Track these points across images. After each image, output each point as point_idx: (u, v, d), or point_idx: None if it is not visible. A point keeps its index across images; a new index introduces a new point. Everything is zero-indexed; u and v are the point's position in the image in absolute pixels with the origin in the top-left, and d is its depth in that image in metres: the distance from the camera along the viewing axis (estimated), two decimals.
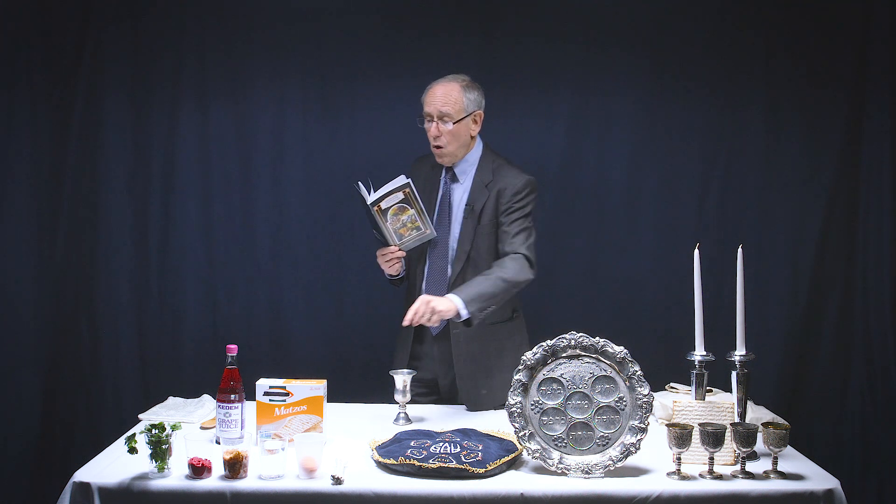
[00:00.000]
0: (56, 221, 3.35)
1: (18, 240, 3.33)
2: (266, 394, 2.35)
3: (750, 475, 2.15)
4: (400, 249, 2.73)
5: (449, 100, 2.72)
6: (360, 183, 2.68)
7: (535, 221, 2.78)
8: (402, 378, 2.59)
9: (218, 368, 2.33)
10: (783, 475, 2.16)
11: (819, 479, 2.15)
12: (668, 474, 2.16)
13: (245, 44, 3.38)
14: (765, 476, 2.16)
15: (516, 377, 2.24)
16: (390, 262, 2.75)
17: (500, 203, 2.74)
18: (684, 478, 2.13)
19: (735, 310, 2.32)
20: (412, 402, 2.68)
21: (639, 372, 2.21)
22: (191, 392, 2.84)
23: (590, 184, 3.42)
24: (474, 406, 2.74)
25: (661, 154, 3.41)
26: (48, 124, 3.34)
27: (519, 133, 3.41)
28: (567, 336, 2.25)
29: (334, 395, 2.65)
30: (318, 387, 2.38)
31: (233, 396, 2.27)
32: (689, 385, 2.37)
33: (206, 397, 2.77)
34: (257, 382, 2.37)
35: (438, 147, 2.75)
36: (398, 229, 2.69)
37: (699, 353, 2.30)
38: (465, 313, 2.57)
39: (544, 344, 2.24)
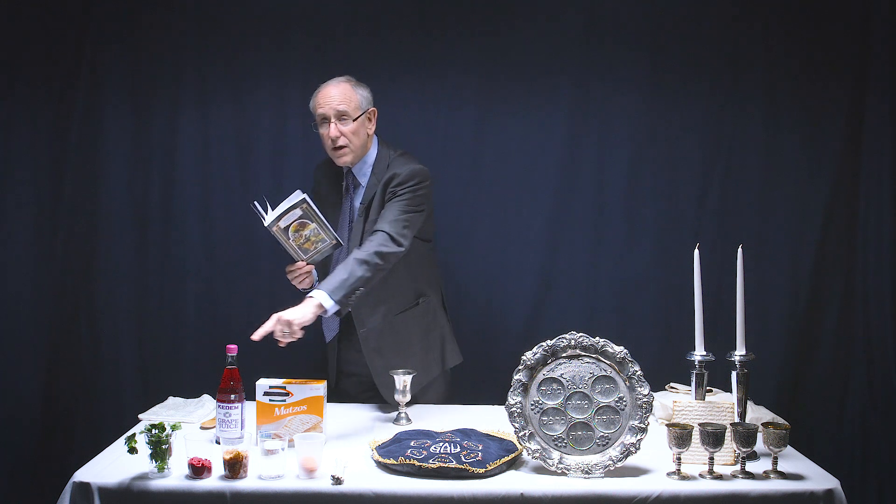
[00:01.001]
0: (56, 221, 3.35)
1: (18, 240, 3.33)
2: (266, 394, 2.35)
3: (750, 475, 2.15)
4: (308, 263, 2.72)
5: (345, 98, 2.72)
6: (255, 203, 2.65)
7: (422, 212, 2.73)
8: (401, 378, 2.59)
9: (218, 368, 2.34)
10: (783, 475, 2.16)
11: (819, 479, 2.16)
12: (668, 474, 2.16)
13: (245, 44, 3.38)
14: (765, 476, 2.16)
15: (516, 377, 2.24)
16: (299, 278, 2.73)
17: (385, 194, 2.72)
18: (684, 478, 2.13)
19: (735, 310, 2.32)
20: (366, 402, 2.75)
21: (639, 372, 2.21)
22: (191, 392, 2.84)
23: (590, 184, 3.42)
24: (394, 401, 2.69)
25: (661, 153, 3.41)
26: (48, 124, 3.34)
27: (519, 132, 3.41)
28: (567, 336, 2.25)
29: (334, 395, 2.65)
30: (318, 387, 2.38)
31: (233, 396, 2.27)
32: (689, 385, 2.38)
33: (206, 397, 2.77)
34: (257, 382, 2.37)
35: (340, 148, 2.72)
36: (302, 244, 2.67)
37: (699, 353, 2.30)
38: (330, 305, 2.49)
39: (544, 344, 2.25)
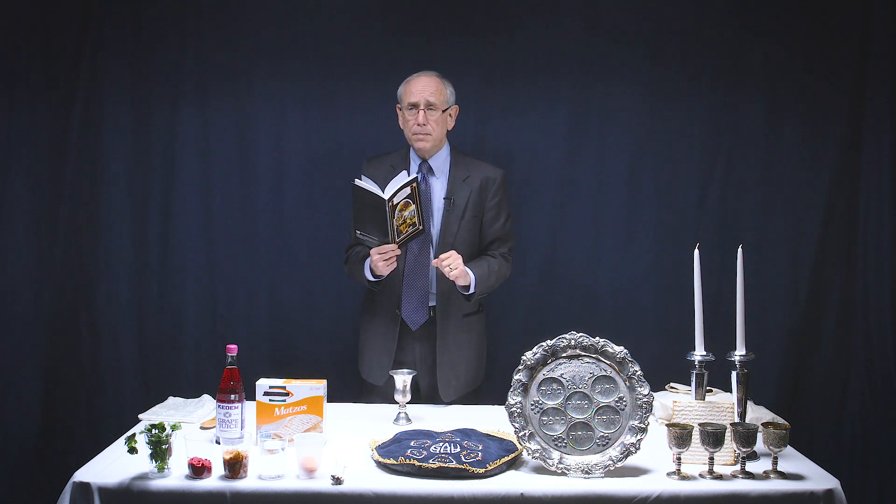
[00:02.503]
0: (56, 221, 3.35)
1: (18, 240, 3.32)
2: (266, 394, 2.35)
3: (750, 475, 2.15)
4: (399, 247, 2.72)
5: (437, 91, 2.88)
6: (357, 180, 2.68)
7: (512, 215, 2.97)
8: (402, 378, 2.59)
9: (218, 368, 2.34)
10: (783, 475, 2.16)
11: (819, 479, 2.16)
12: (668, 474, 2.16)
13: (245, 44, 3.38)
14: (765, 476, 2.16)
15: (516, 377, 2.24)
16: (390, 260, 2.71)
17: (482, 197, 2.89)
18: (684, 478, 2.13)
19: (735, 310, 2.32)
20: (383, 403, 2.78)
21: (639, 372, 2.21)
22: (191, 392, 2.84)
23: (590, 183, 3.42)
24: (447, 396, 2.84)
25: (661, 153, 3.41)
26: (48, 124, 3.33)
27: (519, 132, 3.41)
28: (567, 336, 2.25)
29: (334, 395, 2.65)
30: (318, 387, 2.38)
31: (233, 396, 2.27)
32: (689, 385, 2.38)
33: (206, 397, 2.77)
34: (257, 382, 2.37)
35: (424, 134, 2.84)
36: (399, 226, 2.67)
37: (699, 353, 2.30)
38: (470, 291, 2.78)
39: (544, 344, 2.25)
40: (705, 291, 2.31)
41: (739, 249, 2.34)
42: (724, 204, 3.40)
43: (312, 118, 3.42)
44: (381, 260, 2.70)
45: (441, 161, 2.91)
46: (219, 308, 3.44)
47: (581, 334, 2.25)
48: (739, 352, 2.31)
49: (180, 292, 3.43)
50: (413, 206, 2.66)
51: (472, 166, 2.92)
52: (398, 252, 2.72)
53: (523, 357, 2.24)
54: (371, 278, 2.80)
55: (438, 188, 2.89)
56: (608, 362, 2.23)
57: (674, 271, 3.32)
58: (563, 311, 3.40)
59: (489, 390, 2.99)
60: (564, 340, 2.25)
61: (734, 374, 2.32)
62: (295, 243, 3.44)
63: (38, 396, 3.33)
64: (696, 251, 2.32)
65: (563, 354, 2.25)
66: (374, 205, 2.63)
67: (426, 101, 2.84)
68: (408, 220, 2.67)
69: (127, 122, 3.39)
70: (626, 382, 2.22)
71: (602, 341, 2.23)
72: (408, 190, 2.64)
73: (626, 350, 2.23)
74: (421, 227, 2.71)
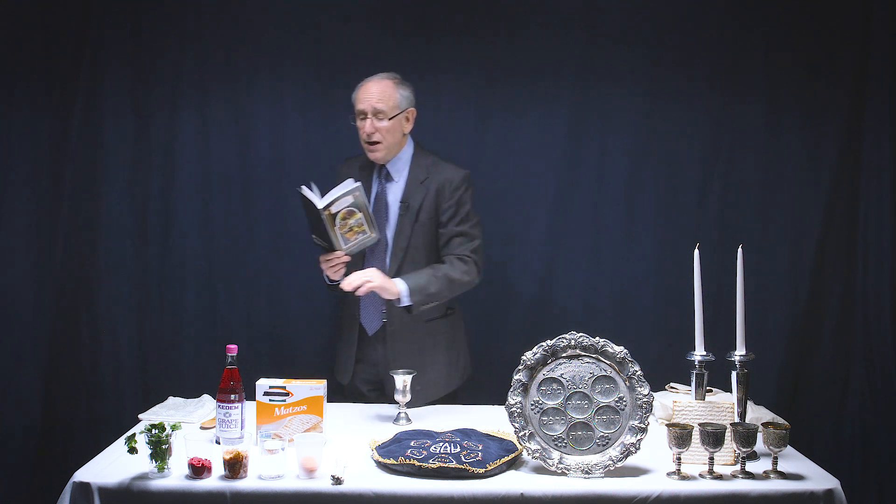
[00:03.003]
0: (56, 221, 3.35)
1: (18, 240, 3.32)
2: (266, 394, 2.35)
3: (750, 475, 2.15)
4: (346, 254, 2.69)
5: (383, 96, 2.75)
6: (304, 187, 2.65)
7: (477, 215, 2.84)
8: (402, 378, 2.59)
9: (218, 368, 2.33)
10: (783, 475, 2.16)
11: (819, 479, 2.16)
12: (668, 474, 2.16)
13: (245, 44, 3.38)
14: (765, 476, 2.16)
15: (516, 377, 2.24)
16: (335, 267, 2.70)
17: (439, 199, 2.78)
18: (684, 478, 2.13)
19: (735, 310, 2.32)
20: (365, 400, 2.78)
21: (639, 372, 2.21)
22: (191, 392, 2.84)
23: (590, 183, 3.42)
24: (412, 402, 2.71)
25: (661, 153, 3.41)
26: (48, 124, 3.33)
27: (519, 132, 3.41)
28: (567, 336, 2.25)
29: (334, 396, 2.65)
30: (318, 387, 2.38)
31: (233, 396, 2.27)
32: (689, 385, 2.38)
33: (206, 397, 2.77)
34: (257, 382, 2.37)
35: (373, 143, 2.75)
36: (345, 234, 2.65)
37: (699, 353, 2.30)
38: (406, 301, 2.66)
39: (544, 344, 2.25)
40: (705, 291, 2.31)
41: (739, 249, 2.34)
42: (724, 204, 3.40)
43: (312, 118, 3.42)
44: (327, 267, 2.71)
45: (400, 165, 2.82)
46: (219, 308, 3.43)
47: (581, 334, 2.25)
48: (739, 352, 2.31)
49: (180, 292, 3.43)
50: (359, 215, 2.63)
51: (434, 168, 2.82)
52: (345, 259, 2.69)
53: (523, 357, 2.24)
54: (328, 282, 2.80)
55: (394, 193, 2.82)
56: (608, 362, 2.23)
57: (674, 271, 3.32)
58: (563, 311, 3.40)
59: (489, 390, 2.99)
60: (564, 340, 2.25)
61: (734, 374, 2.32)
62: (295, 243, 3.44)
63: (38, 396, 3.33)
64: (696, 251, 2.32)
65: (563, 354, 2.25)
66: (315, 213, 2.62)
67: (373, 108, 2.73)
68: (354, 228, 2.65)
69: (127, 122, 3.39)
70: (626, 382, 2.22)
71: (602, 341, 2.23)
72: (350, 198, 2.60)
73: (626, 350, 2.23)
74: (373, 234, 2.68)
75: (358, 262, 2.79)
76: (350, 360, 2.88)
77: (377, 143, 2.75)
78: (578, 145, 3.41)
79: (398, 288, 2.64)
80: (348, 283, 2.59)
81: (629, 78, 3.38)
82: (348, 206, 2.61)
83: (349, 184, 2.64)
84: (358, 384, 2.90)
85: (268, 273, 3.45)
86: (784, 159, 3.37)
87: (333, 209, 2.60)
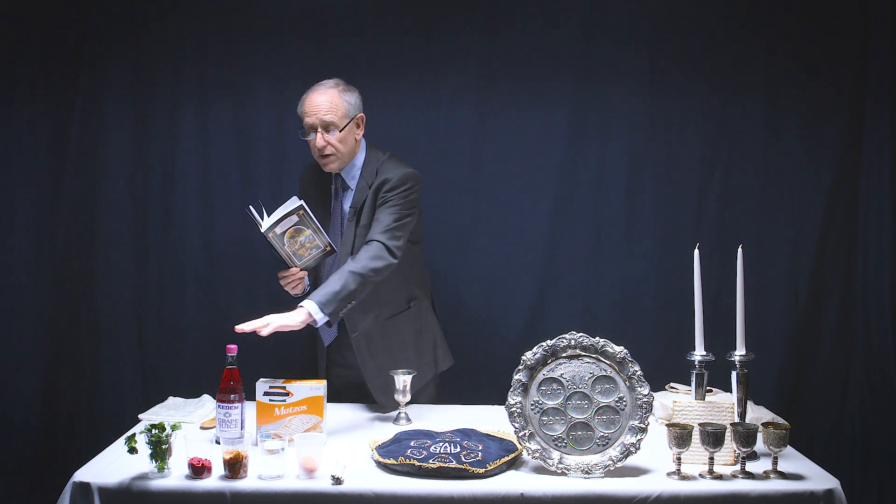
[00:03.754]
0: (56, 221, 3.35)
1: (18, 240, 3.32)
2: (266, 394, 2.35)
3: (750, 475, 2.15)
4: (301, 270, 2.69)
5: (332, 107, 2.66)
6: (251, 208, 2.63)
7: (414, 215, 2.74)
8: (402, 378, 2.59)
9: (218, 368, 2.34)
10: (783, 475, 2.16)
11: (819, 479, 2.16)
12: (668, 474, 2.16)
13: (245, 44, 3.38)
14: (765, 476, 2.16)
15: (516, 377, 2.24)
16: (292, 283, 2.69)
17: (375, 200, 2.70)
18: (684, 478, 2.13)
19: (735, 310, 2.32)
20: (353, 402, 2.77)
21: (639, 372, 2.21)
22: (191, 392, 2.84)
23: (590, 184, 3.42)
24: (388, 404, 2.72)
25: (661, 153, 3.40)
26: (48, 124, 3.34)
27: (519, 132, 3.41)
28: (567, 336, 2.25)
29: (334, 396, 2.65)
30: (318, 387, 2.38)
31: (233, 396, 2.27)
32: (689, 385, 2.38)
33: (206, 397, 2.77)
34: (257, 382, 2.37)
35: (326, 156, 2.69)
36: (297, 251, 2.64)
37: (699, 353, 2.30)
38: (320, 317, 2.51)
39: (544, 344, 2.25)
40: (705, 292, 2.31)
41: (739, 249, 2.34)
42: (724, 204, 3.39)
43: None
44: (285, 284, 2.70)
45: (354, 171, 2.75)
46: (219, 308, 3.43)
47: (581, 334, 2.25)
48: (739, 352, 2.31)
49: (180, 292, 3.43)
50: (308, 231, 2.61)
51: (382, 169, 2.73)
52: (301, 275, 2.69)
53: (523, 357, 2.25)
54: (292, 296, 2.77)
55: (349, 200, 2.78)
56: (608, 362, 2.23)
57: (674, 271, 3.32)
58: (563, 311, 3.40)
59: (489, 390, 2.99)
60: (564, 340, 2.25)
61: (734, 374, 2.32)
62: None
63: (38, 396, 3.33)
64: (696, 251, 2.32)
65: (563, 354, 2.25)
66: (262, 235, 2.62)
67: (322, 121, 2.65)
68: (306, 245, 2.63)
69: (127, 122, 3.39)
70: (626, 382, 2.22)
71: (602, 341, 2.23)
72: (294, 218, 2.59)
73: (626, 350, 2.23)
74: (329, 248, 2.66)
75: (318, 272, 2.79)
76: (322, 363, 2.89)
77: (330, 155, 2.69)
78: (578, 145, 3.41)
79: (307, 310, 2.50)
80: (240, 329, 2.43)
81: (629, 78, 3.38)
82: (294, 226, 2.60)
83: (292, 202, 2.60)
84: (336, 386, 2.87)
85: (268, 273, 3.43)
86: (784, 159, 3.37)
87: (278, 230, 2.60)
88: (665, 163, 3.41)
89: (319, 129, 2.66)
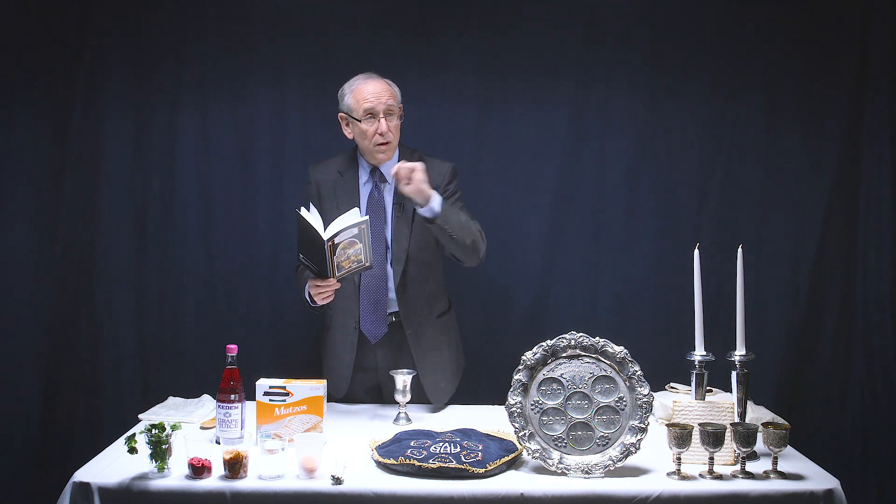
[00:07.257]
0: (56, 221, 3.35)
1: (18, 240, 3.32)
2: (266, 394, 2.35)
3: (750, 475, 2.15)
4: (337, 281, 2.60)
5: (393, 94, 2.70)
6: (303, 209, 2.58)
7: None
8: (402, 378, 2.59)
9: (218, 368, 2.34)
10: (783, 475, 2.16)
11: (819, 479, 2.16)
12: (668, 474, 2.16)
13: (245, 44, 3.38)
14: (765, 476, 2.16)
15: (516, 377, 2.24)
16: (326, 293, 2.61)
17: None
18: (684, 478, 2.13)
19: (735, 310, 2.32)
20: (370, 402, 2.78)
21: (639, 372, 2.21)
22: (191, 392, 2.84)
23: (590, 184, 3.42)
24: (439, 400, 2.77)
25: (661, 154, 3.40)
26: (48, 124, 3.33)
27: (519, 132, 3.41)
28: (567, 336, 2.25)
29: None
30: (318, 387, 2.38)
31: (233, 396, 2.27)
32: (689, 385, 2.38)
33: (206, 397, 2.77)
34: (257, 382, 2.37)
35: (385, 143, 2.68)
36: (341, 262, 2.56)
37: (699, 353, 2.30)
38: (437, 209, 2.55)
39: (544, 344, 2.25)
40: (705, 291, 2.31)
41: (739, 249, 2.34)
42: (724, 204, 3.40)
43: (312, 118, 3.41)
44: (317, 293, 2.61)
45: (391, 165, 2.69)
46: (219, 308, 3.43)
47: (581, 334, 2.25)
48: (739, 352, 2.31)
49: (180, 292, 3.43)
50: (359, 245, 2.56)
51: (426, 163, 2.68)
52: (336, 286, 2.61)
53: (523, 357, 2.25)
54: (311, 303, 2.70)
55: (390, 195, 2.76)
56: (608, 362, 2.23)
57: (674, 271, 3.32)
58: (563, 311, 3.40)
59: (489, 390, 2.99)
60: (564, 340, 2.25)
61: (734, 374, 2.32)
62: (295, 243, 3.43)
63: (38, 396, 3.33)
64: (696, 251, 2.32)
65: (563, 354, 2.25)
66: (315, 241, 2.53)
67: (386, 105, 2.64)
68: (352, 258, 2.57)
69: (127, 122, 3.38)
70: (626, 382, 2.22)
71: (602, 341, 2.23)
72: (355, 230, 2.53)
73: (626, 350, 2.23)
74: (367, 264, 2.60)
75: (352, 281, 2.75)
76: (347, 372, 2.80)
77: (389, 142, 2.67)
78: (578, 145, 3.41)
79: (437, 198, 2.55)
80: (396, 169, 2.49)
81: (629, 78, 3.38)
82: (351, 237, 2.55)
83: (355, 214, 2.57)
84: (356, 393, 2.85)
85: (268, 273, 3.44)
86: (784, 159, 3.37)
87: (337, 240, 2.53)
88: (665, 163, 3.41)
89: (382, 115, 2.65)
